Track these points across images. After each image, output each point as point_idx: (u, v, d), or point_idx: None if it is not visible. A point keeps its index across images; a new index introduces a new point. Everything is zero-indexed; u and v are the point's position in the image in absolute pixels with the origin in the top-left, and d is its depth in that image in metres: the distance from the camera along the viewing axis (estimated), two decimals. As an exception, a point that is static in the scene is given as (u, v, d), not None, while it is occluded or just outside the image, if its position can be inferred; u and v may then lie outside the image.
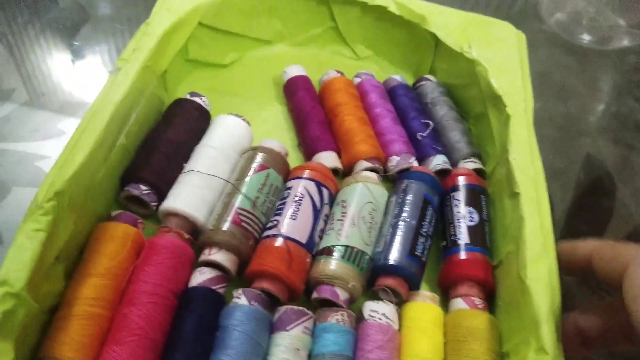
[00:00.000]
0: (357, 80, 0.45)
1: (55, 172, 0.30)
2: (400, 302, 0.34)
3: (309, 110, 0.42)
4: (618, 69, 0.51)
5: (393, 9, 0.45)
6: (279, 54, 0.48)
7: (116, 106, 0.34)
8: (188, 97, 0.40)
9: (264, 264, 0.32)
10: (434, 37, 0.44)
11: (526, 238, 0.32)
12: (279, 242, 0.33)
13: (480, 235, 0.36)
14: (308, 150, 0.41)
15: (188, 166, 0.37)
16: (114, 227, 0.32)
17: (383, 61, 0.49)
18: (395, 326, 0.32)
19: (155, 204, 0.35)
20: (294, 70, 0.44)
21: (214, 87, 0.45)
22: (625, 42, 0.52)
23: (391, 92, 0.45)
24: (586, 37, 0.53)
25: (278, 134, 0.43)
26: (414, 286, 0.34)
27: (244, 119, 0.40)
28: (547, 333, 0.28)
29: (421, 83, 0.45)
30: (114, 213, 0.34)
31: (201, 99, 0.40)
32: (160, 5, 0.40)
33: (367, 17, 0.46)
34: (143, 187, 0.35)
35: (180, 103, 0.40)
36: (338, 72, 0.44)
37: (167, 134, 0.37)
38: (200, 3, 0.40)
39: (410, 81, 0.47)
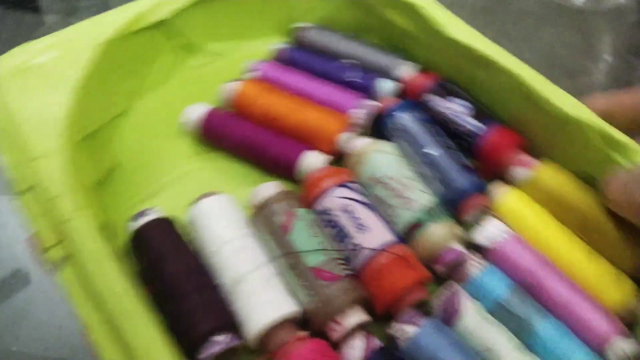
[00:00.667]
0: (257, 73, 0.39)
1: None
2: (490, 212, 0.34)
3: (252, 133, 0.36)
4: (616, 29, 0.49)
5: None
6: (149, 110, 0.39)
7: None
8: (141, 220, 0.31)
9: (394, 286, 0.29)
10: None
11: (534, 84, 0.33)
12: (381, 258, 0.30)
13: (482, 113, 0.37)
14: (284, 167, 0.36)
15: (227, 278, 0.30)
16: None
17: (241, 42, 0.43)
18: (511, 231, 0.33)
19: (239, 341, 0.28)
20: (197, 111, 0.37)
21: (130, 190, 0.35)
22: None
23: (289, 62, 0.41)
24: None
25: (239, 179, 0.37)
26: (485, 190, 0.35)
27: (214, 193, 0.33)
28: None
29: (300, 34, 0.42)
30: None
31: (153, 212, 0.32)
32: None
33: (206, 12, 0.40)
34: (219, 338, 0.27)
35: (142, 232, 0.31)
36: (236, 81, 0.38)
37: (175, 270, 0.29)
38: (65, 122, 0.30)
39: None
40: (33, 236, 0.28)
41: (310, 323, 0.29)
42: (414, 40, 0.39)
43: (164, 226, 0.31)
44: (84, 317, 0.26)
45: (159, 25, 0.38)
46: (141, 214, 0.32)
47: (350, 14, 0.41)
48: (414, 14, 0.38)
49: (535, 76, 0.34)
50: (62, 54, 0.33)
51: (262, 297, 0.29)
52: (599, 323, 0.29)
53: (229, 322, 0.28)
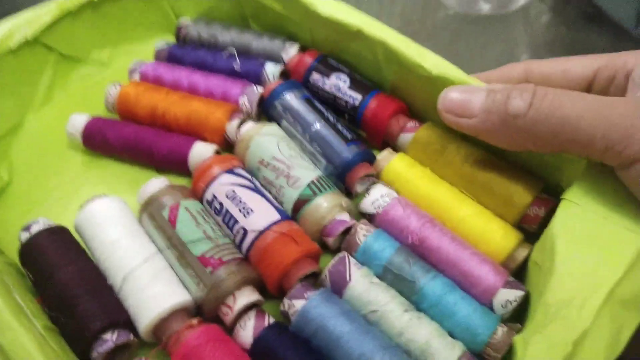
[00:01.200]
0: (136, 76, 0.40)
1: None
2: (376, 180, 0.35)
3: (137, 135, 0.36)
4: (527, 30, 0.50)
5: None
6: (40, 127, 0.39)
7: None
8: (30, 232, 0.31)
9: (279, 263, 0.30)
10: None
11: (401, 49, 0.34)
12: (266, 238, 0.31)
13: (361, 83, 0.37)
14: (176, 162, 0.36)
15: (117, 276, 0.30)
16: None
17: (128, 46, 0.43)
18: (396, 194, 0.34)
19: (127, 337, 0.29)
20: (79, 121, 0.37)
21: (22, 207, 0.35)
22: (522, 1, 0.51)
23: (170, 59, 0.41)
24: (485, 7, 0.52)
25: (135, 182, 0.37)
26: (372, 160, 0.35)
27: (100, 196, 0.33)
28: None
29: (183, 33, 0.42)
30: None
31: (41, 222, 0.32)
32: None
33: (83, 21, 0.40)
34: (109, 335, 0.28)
35: (31, 243, 0.31)
36: (116, 85, 0.38)
37: (65, 276, 0.29)
38: None
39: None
40: None
41: (204, 311, 0.30)
42: (292, 22, 0.40)
43: (53, 235, 0.32)
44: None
45: (34, 41, 0.37)
46: (29, 226, 0.32)
47: (230, 3, 0.41)
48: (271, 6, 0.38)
49: (403, 40, 0.34)
50: None
51: (150, 291, 0.29)
52: (486, 277, 0.30)
53: (120, 320, 0.29)
